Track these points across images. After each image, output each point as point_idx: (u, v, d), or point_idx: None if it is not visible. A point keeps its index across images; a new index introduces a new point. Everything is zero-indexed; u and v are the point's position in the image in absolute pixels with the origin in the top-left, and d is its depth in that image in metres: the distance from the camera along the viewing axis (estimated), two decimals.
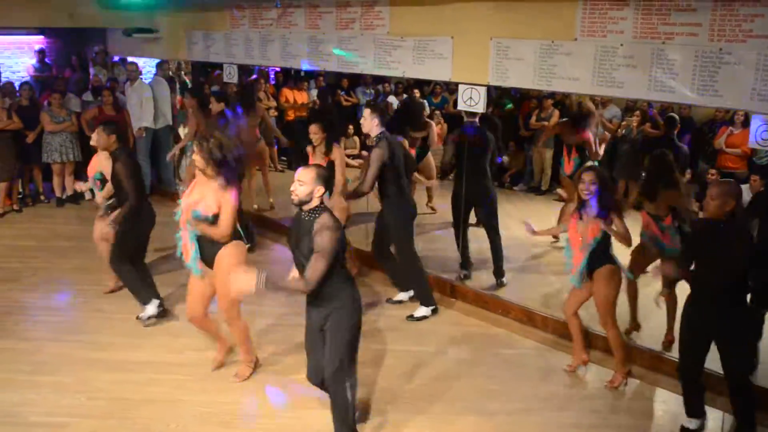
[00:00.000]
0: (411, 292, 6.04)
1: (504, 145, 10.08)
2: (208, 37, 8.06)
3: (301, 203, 3.64)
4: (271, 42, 7.21)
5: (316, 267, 3.50)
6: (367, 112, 5.66)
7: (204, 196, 4.26)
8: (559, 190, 7.75)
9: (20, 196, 8.58)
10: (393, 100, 10.73)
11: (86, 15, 8.63)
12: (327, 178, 3.73)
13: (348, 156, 10.97)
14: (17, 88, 8.66)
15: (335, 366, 3.72)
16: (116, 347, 5.06)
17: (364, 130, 5.72)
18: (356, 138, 10.72)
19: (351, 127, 10.48)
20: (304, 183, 3.62)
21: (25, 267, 6.59)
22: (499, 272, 6.38)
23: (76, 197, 8.59)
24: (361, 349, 5.07)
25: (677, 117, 7.34)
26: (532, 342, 5.39)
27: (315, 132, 6.19)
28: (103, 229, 5.60)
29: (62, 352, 4.97)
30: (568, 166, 7.07)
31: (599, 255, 4.55)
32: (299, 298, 3.91)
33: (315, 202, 3.66)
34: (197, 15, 8.15)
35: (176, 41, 8.62)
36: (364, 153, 10.24)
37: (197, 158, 4.28)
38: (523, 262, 6.98)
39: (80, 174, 8.01)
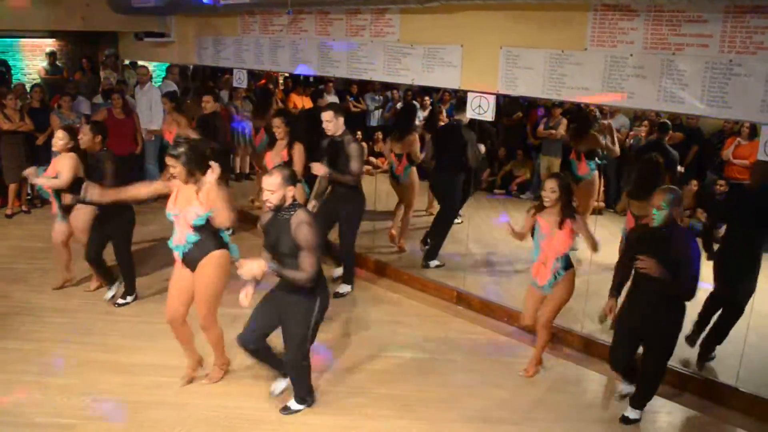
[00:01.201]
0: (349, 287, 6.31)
1: (510, 153, 10.17)
2: (219, 42, 8.11)
3: (278, 209, 3.83)
4: (281, 48, 7.25)
5: (310, 261, 3.74)
6: (330, 114, 5.63)
7: (189, 200, 4.18)
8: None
9: (29, 198, 8.61)
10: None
11: (98, 19, 8.70)
12: (290, 175, 3.87)
13: None
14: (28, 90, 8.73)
15: (298, 350, 4.05)
16: (124, 350, 5.08)
17: (330, 132, 5.70)
18: (364, 144, 10.68)
19: (359, 133, 10.45)
20: (274, 191, 3.78)
21: (33, 268, 6.62)
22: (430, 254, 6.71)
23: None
24: (365, 355, 5.11)
25: (669, 123, 7.38)
26: None
27: (278, 125, 6.29)
28: (70, 228, 5.89)
29: (69, 353, 4.99)
30: (581, 168, 7.12)
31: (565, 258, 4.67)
32: None
33: (288, 201, 3.84)
34: (208, 20, 8.21)
35: (187, 46, 8.68)
36: (372, 159, 10.28)
37: (176, 171, 4.12)
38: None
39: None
